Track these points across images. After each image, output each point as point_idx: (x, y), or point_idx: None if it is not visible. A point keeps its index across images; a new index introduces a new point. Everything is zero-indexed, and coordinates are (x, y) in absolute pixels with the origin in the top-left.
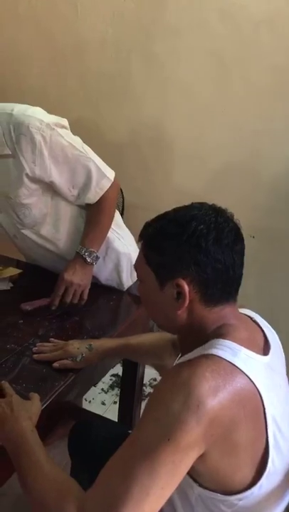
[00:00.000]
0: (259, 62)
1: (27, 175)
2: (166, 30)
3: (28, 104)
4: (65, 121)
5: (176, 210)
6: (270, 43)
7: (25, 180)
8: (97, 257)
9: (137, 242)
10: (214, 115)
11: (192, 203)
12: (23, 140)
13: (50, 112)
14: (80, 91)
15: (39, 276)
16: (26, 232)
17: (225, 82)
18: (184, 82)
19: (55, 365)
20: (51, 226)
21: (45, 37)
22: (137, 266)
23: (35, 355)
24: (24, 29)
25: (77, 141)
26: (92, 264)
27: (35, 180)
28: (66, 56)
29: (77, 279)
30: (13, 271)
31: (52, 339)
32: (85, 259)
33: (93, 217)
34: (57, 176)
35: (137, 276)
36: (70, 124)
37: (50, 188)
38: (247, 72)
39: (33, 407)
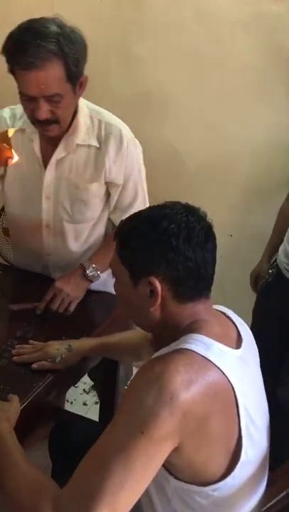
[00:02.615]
0: (235, 63)
1: (105, 172)
2: (143, 30)
3: (8, 104)
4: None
5: (150, 209)
6: (245, 44)
7: (103, 177)
8: (98, 276)
9: (113, 240)
10: (191, 115)
11: (165, 202)
12: (112, 139)
13: None
14: None
15: (18, 278)
16: (68, 225)
17: (202, 82)
18: (161, 82)
19: (34, 366)
20: (90, 229)
21: None
22: (111, 264)
23: (14, 357)
24: None
25: (144, 169)
26: (89, 280)
27: (108, 180)
28: None
29: (68, 288)
30: None
31: (31, 341)
32: (85, 273)
33: (111, 241)
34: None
35: (112, 274)
36: None
37: (107, 196)
38: (223, 72)
39: (12, 408)
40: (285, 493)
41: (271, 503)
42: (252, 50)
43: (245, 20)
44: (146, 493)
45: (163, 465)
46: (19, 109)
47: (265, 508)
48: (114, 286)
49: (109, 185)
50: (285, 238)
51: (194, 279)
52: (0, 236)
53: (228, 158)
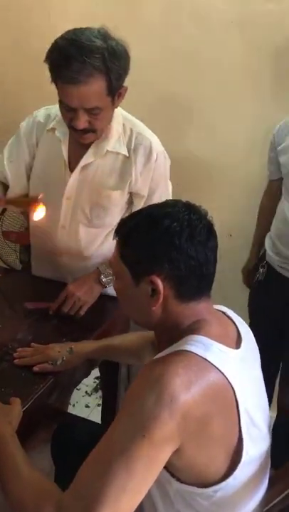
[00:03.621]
0: (231, 63)
1: (130, 182)
2: (138, 32)
3: (4, 110)
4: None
5: (151, 208)
6: (241, 44)
7: (127, 187)
8: (112, 282)
9: (113, 239)
10: (188, 115)
11: (166, 200)
12: (141, 150)
13: (25, 117)
14: (56, 96)
15: (17, 281)
16: (83, 229)
17: (198, 82)
18: (158, 84)
19: (35, 368)
20: (105, 236)
21: (19, 43)
22: (112, 262)
23: (16, 360)
24: None
25: (170, 183)
26: (103, 285)
27: (132, 190)
28: (42, 61)
29: (80, 292)
30: None
31: (33, 344)
32: (100, 277)
33: None
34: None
35: (113, 272)
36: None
37: (130, 207)
38: (219, 72)
39: (13, 411)
40: (287, 492)
41: (274, 502)
42: (247, 50)
43: (240, 20)
44: (149, 496)
45: (165, 467)
46: (54, 109)
47: (267, 507)
48: (114, 284)
49: (133, 195)
50: (273, 237)
51: (196, 277)
52: (0, 240)
53: (227, 159)
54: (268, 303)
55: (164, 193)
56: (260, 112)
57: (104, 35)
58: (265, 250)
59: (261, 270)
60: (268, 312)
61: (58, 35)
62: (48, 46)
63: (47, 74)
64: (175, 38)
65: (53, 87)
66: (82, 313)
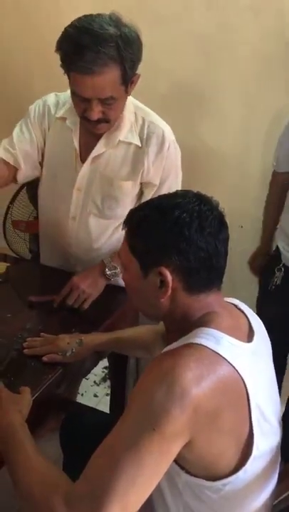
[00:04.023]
0: (245, 49)
1: (142, 172)
2: (151, 18)
3: (13, 95)
4: None
5: (160, 198)
6: (255, 30)
7: (139, 177)
8: (117, 275)
9: (122, 229)
10: (201, 103)
11: (176, 191)
12: (154, 139)
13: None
14: (66, 82)
15: (26, 270)
16: (94, 220)
17: (212, 69)
18: (170, 70)
19: (45, 359)
20: (115, 227)
21: (29, 29)
22: (120, 253)
23: (25, 350)
24: (7, 20)
25: (181, 173)
26: (108, 278)
27: (144, 180)
28: (52, 47)
29: (85, 285)
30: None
31: (42, 334)
32: (104, 270)
33: None
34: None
35: (121, 263)
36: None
37: (141, 198)
38: (233, 59)
39: (23, 400)
40: None
41: (283, 495)
42: (262, 35)
43: (255, 5)
44: (157, 487)
45: (174, 459)
46: (63, 95)
47: (277, 500)
48: (123, 275)
49: (144, 185)
50: None
51: (206, 269)
52: (9, 229)
53: (239, 148)
54: (285, 306)
55: (174, 183)
56: (274, 100)
57: (116, 21)
58: (278, 252)
59: (278, 274)
60: (285, 315)
61: (68, 22)
62: (57, 34)
63: (57, 60)
64: (187, 24)
65: (63, 76)
66: (86, 306)
